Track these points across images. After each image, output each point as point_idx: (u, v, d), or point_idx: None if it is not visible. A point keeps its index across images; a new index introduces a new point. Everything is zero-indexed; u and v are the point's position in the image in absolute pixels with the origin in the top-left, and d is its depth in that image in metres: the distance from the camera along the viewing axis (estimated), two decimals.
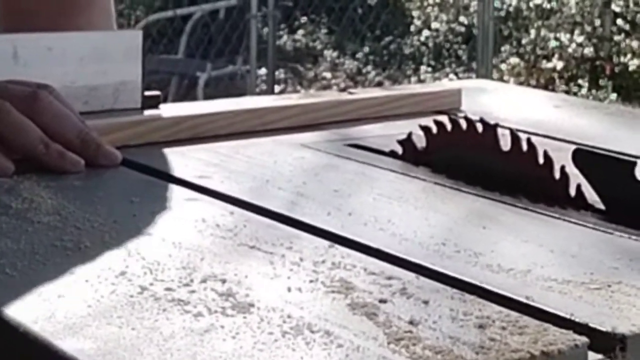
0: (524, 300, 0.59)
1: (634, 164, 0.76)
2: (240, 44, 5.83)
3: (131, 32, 1.14)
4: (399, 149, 0.93)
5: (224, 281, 0.60)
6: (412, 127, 0.95)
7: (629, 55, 5.78)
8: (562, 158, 0.83)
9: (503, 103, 1.26)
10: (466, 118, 0.89)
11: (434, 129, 0.91)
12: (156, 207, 0.75)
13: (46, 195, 0.76)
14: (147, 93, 1.09)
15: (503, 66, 5.96)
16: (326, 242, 0.68)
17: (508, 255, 0.67)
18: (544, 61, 5.89)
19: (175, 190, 0.80)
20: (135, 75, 1.09)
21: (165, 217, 0.73)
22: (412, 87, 1.33)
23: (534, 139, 0.84)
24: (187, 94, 5.27)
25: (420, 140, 0.92)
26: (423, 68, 6.46)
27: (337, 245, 0.67)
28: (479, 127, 0.87)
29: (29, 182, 0.80)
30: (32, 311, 0.55)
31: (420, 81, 6.06)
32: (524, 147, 0.83)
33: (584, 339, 0.53)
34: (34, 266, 0.62)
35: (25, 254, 0.64)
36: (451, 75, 6.30)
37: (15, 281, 0.59)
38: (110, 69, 1.07)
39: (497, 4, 5.98)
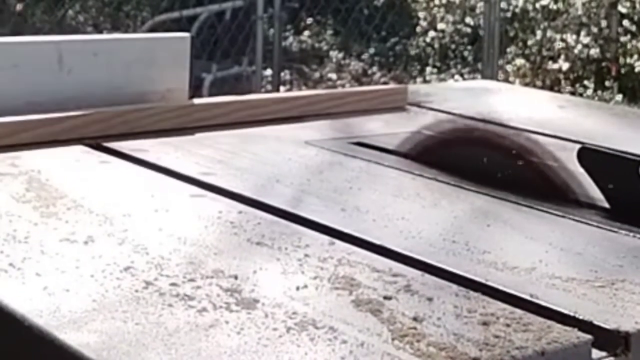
0: (529, 298, 0.59)
1: (639, 162, 0.76)
2: (246, 45, 5.83)
3: (179, 37, 1.07)
4: (403, 147, 0.93)
5: (229, 277, 0.60)
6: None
7: (635, 57, 5.77)
8: (567, 157, 0.83)
9: (508, 103, 1.26)
10: (469, 118, 0.89)
11: (438, 128, 0.91)
12: (162, 203, 0.75)
13: (54, 191, 0.76)
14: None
15: (509, 67, 5.95)
16: (331, 239, 0.68)
17: (513, 253, 0.67)
18: (550, 62, 5.88)
19: (181, 187, 0.81)
20: (182, 82, 1.05)
21: (171, 213, 0.73)
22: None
23: (539, 138, 0.84)
24: (192, 95, 5.26)
25: (423, 139, 0.92)
26: (429, 69, 6.45)
27: (342, 242, 0.67)
28: (482, 127, 0.87)
29: (34, 173, 0.80)
30: (37, 305, 0.55)
31: (425, 82, 6.05)
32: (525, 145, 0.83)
33: (587, 337, 0.54)
34: (40, 260, 0.62)
35: (31, 248, 0.64)
36: (457, 76, 6.29)
37: (21, 275, 0.59)
38: (157, 74, 1.03)
39: (503, 5, 5.98)
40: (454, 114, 1.14)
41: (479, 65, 5.87)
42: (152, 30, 5.65)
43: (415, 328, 0.54)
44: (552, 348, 0.52)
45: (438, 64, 6.55)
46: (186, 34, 1.07)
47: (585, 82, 5.82)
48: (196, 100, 1.06)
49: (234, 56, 5.86)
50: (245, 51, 5.85)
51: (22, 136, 0.91)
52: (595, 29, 6.01)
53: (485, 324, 0.55)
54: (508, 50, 6.14)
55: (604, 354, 0.54)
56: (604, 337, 0.54)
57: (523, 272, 0.63)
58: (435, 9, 6.73)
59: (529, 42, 6.15)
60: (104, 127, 0.96)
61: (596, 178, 0.79)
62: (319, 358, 0.50)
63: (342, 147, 0.96)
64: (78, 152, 0.89)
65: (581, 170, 0.80)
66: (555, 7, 6.16)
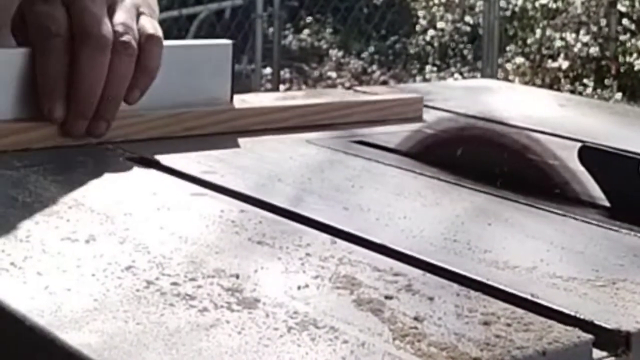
0: (529, 297, 0.59)
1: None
2: (246, 43, 5.83)
3: (221, 44, 1.00)
4: (404, 146, 0.93)
5: (230, 276, 0.60)
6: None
7: (634, 55, 5.78)
8: (568, 156, 0.83)
9: (508, 102, 1.26)
10: (471, 117, 0.89)
11: (439, 127, 0.91)
12: (163, 202, 0.75)
13: (54, 189, 0.76)
14: None
15: (508, 66, 5.96)
16: (332, 238, 0.68)
17: (513, 252, 0.67)
18: (550, 61, 5.89)
19: (182, 186, 0.81)
20: (224, 92, 0.99)
21: (172, 212, 0.73)
22: (373, 90, 1.21)
23: (540, 136, 0.84)
24: None
25: (424, 138, 0.92)
26: (428, 68, 6.46)
27: (343, 241, 0.67)
28: (483, 125, 0.87)
29: (35, 176, 0.80)
30: (38, 305, 0.55)
31: (425, 80, 6.06)
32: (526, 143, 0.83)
33: (588, 336, 0.53)
34: (42, 259, 0.62)
35: (33, 247, 0.64)
36: (456, 75, 6.30)
37: (22, 274, 0.59)
38: (198, 84, 0.97)
39: (502, 3, 5.98)
40: (455, 113, 1.14)
41: (479, 64, 5.88)
42: None
43: (416, 328, 0.54)
44: (553, 348, 0.52)
45: (438, 63, 6.55)
46: (228, 41, 1.00)
47: (585, 81, 5.83)
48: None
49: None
50: (244, 50, 5.86)
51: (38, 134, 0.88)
52: (594, 28, 6.02)
53: (486, 323, 0.55)
54: (507, 48, 6.15)
55: (604, 353, 0.54)
56: (605, 337, 0.54)
57: (524, 271, 0.63)
58: (435, 7, 6.74)
59: (529, 41, 6.15)
60: (133, 131, 0.93)
61: (597, 176, 0.79)
62: (319, 358, 0.50)
63: (343, 145, 0.96)
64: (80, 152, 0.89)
65: (582, 168, 0.80)
66: (554, 5, 6.17)
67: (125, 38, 0.87)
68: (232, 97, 0.99)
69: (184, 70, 0.97)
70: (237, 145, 0.94)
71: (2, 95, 0.88)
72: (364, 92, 1.19)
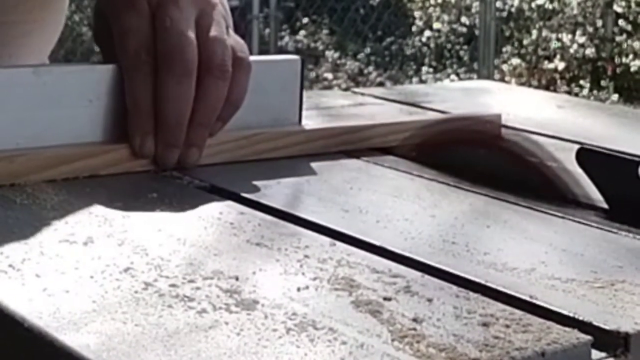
0: (528, 299, 0.59)
1: (638, 163, 0.76)
2: None
3: (289, 59, 0.93)
4: (402, 148, 0.93)
5: (228, 278, 0.60)
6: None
7: (630, 56, 5.79)
8: (567, 158, 0.83)
9: (506, 103, 1.26)
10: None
11: (437, 129, 0.91)
12: (161, 204, 0.75)
13: (52, 191, 0.76)
14: None
15: (504, 67, 5.97)
16: (331, 240, 0.68)
17: (512, 254, 0.67)
18: (546, 62, 5.89)
19: (179, 187, 0.81)
20: (292, 111, 0.92)
21: (171, 214, 0.73)
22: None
23: (539, 138, 0.84)
24: None
25: (423, 140, 0.92)
26: (424, 69, 6.47)
27: (341, 243, 0.67)
28: (481, 127, 0.87)
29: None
30: (37, 306, 0.55)
31: (421, 82, 6.07)
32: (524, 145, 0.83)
33: (587, 338, 0.54)
34: (40, 261, 0.62)
35: (31, 249, 0.64)
36: (452, 76, 6.30)
37: (21, 276, 0.59)
38: (264, 103, 0.89)
39: (499, 4, 5.99)
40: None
41: (475, 65, 5.89)
42: None
43: (415, 329, 0.54)
44: (551, 349, 0.52)
45: (434, 64, 6.56)
46: (296, 57, 0.93)
47: (581, 82, 5.84)
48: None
49: None
50: None
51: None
52: (590, 29, 6.03)
53: (485, 325, 0.55)
54: (504, 49, 6.16)
55: (603, 354, 0.54)
56: (603, 338, 0.54)
57: (523, 273, 0.63)
58: (431, 8, 6.74)
59: (525, 42, 6.16)
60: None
61: (595, 179, 0.79)
62: (318, 359, 0.50)
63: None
64: None
65: (580, 170, 0.81)
66: (550, 6, 6.18)
67: (222, 62, 0.81)
68: (300, 117, 0.92)
69: (250, 87, 0.86)
70: (313, 172, 0.87)
71: (82, 115, 0.83)
72: (424, 108, 1.15)
